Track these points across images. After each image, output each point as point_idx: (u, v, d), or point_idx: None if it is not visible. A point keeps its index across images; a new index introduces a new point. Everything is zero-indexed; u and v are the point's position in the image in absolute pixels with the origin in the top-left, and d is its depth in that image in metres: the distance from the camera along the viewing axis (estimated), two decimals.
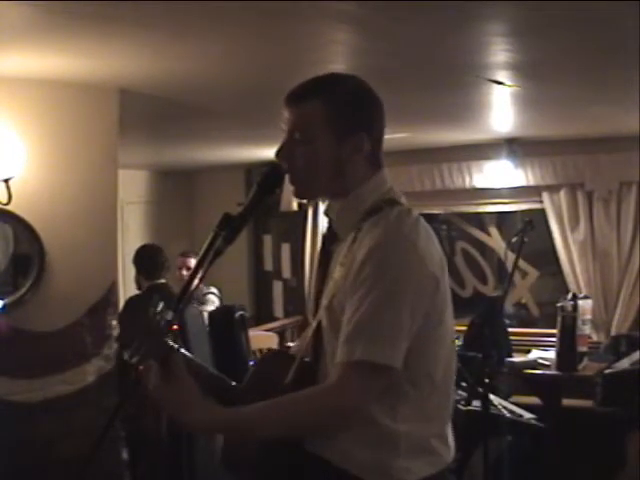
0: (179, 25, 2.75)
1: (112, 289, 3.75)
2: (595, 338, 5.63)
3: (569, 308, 4.91)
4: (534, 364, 5.12)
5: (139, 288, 4.96)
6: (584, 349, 5.05)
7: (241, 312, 4.90)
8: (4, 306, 3.44)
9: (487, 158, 6.06)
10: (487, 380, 3.46)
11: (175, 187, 7.94)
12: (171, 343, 1.54)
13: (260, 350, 5.63)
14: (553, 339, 5.07)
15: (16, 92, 3.44)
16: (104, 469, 2.60)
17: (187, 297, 1.57)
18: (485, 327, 3.89)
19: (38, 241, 3.51)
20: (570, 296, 5.06)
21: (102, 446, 1.55)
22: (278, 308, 7.56)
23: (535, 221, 4.14)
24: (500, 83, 3.64)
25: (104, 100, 3.68)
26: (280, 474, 1.64)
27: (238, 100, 4.16)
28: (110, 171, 3.76)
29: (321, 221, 6.86)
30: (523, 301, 6.68)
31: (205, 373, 1.78)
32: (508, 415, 3.75)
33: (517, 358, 5.22)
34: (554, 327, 5.05)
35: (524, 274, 6.49)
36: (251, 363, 4.78)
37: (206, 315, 5.03)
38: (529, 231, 3.97)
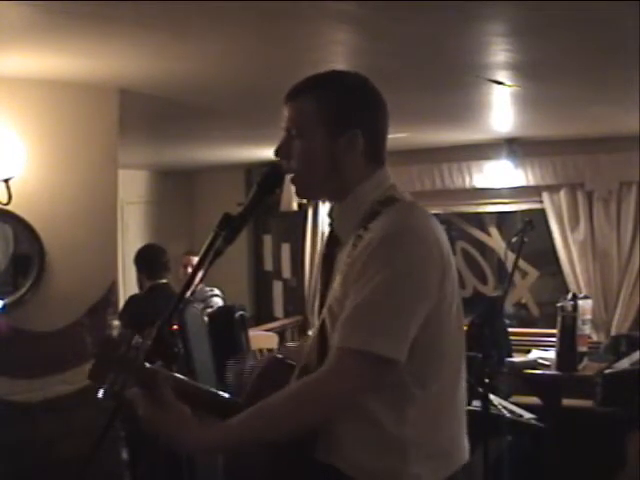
0: (179, 25, 2.75)
1: (112, 289, 3.75)
2: (595, 338, 5.63)
3: (569, 308, 4.91)
4: (534, 364, 5.12)
5: (141, 288, 4.96)
6: (584, 349, 5.05)
7: (241, 312, 4.90)
8: (4, 306, 3.44)
9: (487, 158, 6.06)
10: (487, 380, 3.46)
11: (175, 187, 7.94)
12: (153, 367, 1.51)
13: (260, 350, 5.63)
14: (553, 339, 5.07)
15: (16, 92, 3.44)
16: (104, 469, 2.60)
17: (187, 297, 1.56)
18: (485, 327, 3.88)
19: (38, 241, 3.51)
20: (570, 296, 5.06)
21: (102, 446, 1.54)
22: (278, 308, 7.56)
23: (535, 221, 4.13)
24: (500, 83, 3.64)
25: (104, 100, 3.68)
26: None
27: (238, 100, 4.16)
28: (110, 171, 3.76)
29: (321, 221, 6.86)
30: (523, 301, 6.68)
31: (196, 390, 1.71)
32: (508, 415, 3.75)
33: (517, 358, 5.22)
34: (554, 327, 5.05)
35: (524, 274, 6.49)
36: (251, 363, 4.78)
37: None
38: (529, 231, 3.97)
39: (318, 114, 1.59)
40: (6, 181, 3.38)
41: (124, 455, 3.88)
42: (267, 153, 6.31)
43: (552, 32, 2.88)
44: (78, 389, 3.46)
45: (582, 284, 5.76)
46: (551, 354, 5.04)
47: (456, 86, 3.78)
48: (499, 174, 6.03)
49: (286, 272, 7.49)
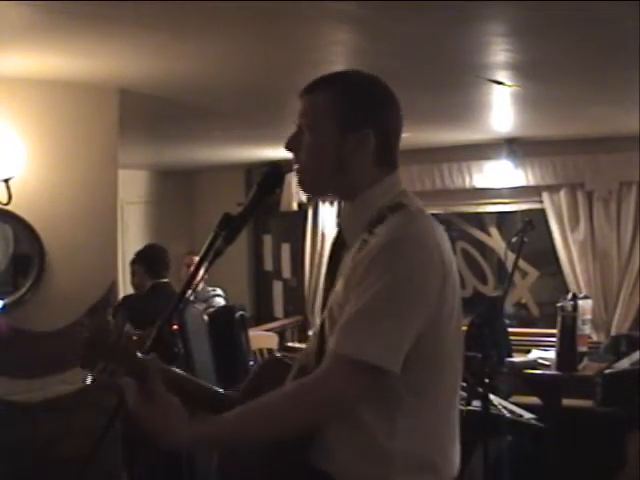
0: (179, 25, 2.75)
1: (112, 289, 3.75)
2: (595, 338, 5.63)
3: (569, 308, 4.91)
4: (534, 364, 5.12)
5: (136, 288, 4.98)
6: (584, 349, 5.05)
7: (241, 312, 4.90)
8: (4, 306, 3.44)
9: (487, 158, 6.06)
10: (487, 380, 3.46)
11: (175, 187, 7.94)
12: (145, 357, 1.49)
13: (260, 350, 5.63)
14: (553, 339, 5.07)
15: (16, 92, 3.44)
16: (104, 469, 2.60)
17: (187, 297, 1.56)
18: (485, 327, 3.88)
19: (38, 241, 3.51)
20: (570, 296, 5.06)
21: (102, 446, 1.54)
22: (278, 308, 7.56)
23: (535, 221, 4.13)
24: (500, 83, 3.65)
25: (104, 100, 3.68)
26: None
27: (238, 100, 4.16)
28: (110, 171, 3.76)
29: (321, 221, 6.86)
30: (523, 301, 6.68)
31: (192, 385, 1.71)
32: (508, 415, 3.75)
33: (517, 358, 5.22)
34: (554, 327, 5.05)
35: (524, 274, 6.49)
36: (251, 363, 4.79)
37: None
38: (529, 231, 3.97)
39: (330, 109, 1.58)
40: (6, 181, 3.38)
41: (124, 455, 3.88)
42: (267, 153, 6.34)
43: (552, 32, 2.88)
44: (78, 389, 3.46)
45: (582, 284, 5.76)
46: (551, 354, 5.04)
47: (456, 86, 3.78)
48: (499, 174, 6.03)
49: (286, 272, 7.49)
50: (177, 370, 1.70)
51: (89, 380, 1.49)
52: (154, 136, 5.52)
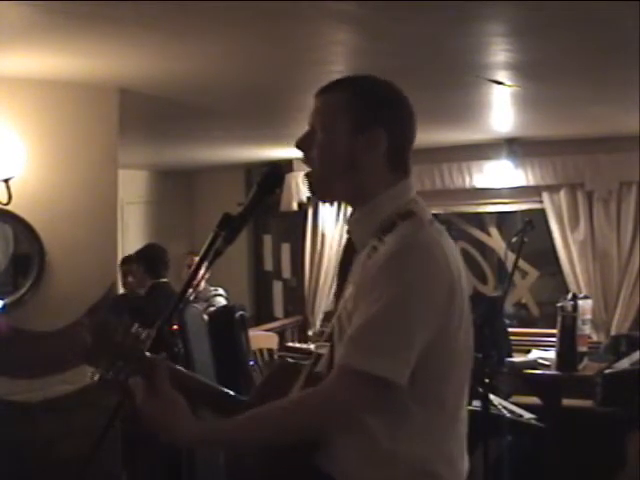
0: (179, 25, 2.75)
1: (112, 289, 3.76)
2: (595, 338, 5.63)
3: (569, 308, 4.91)
4: (534, 364, 5.12)
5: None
6: (584, 349, 5.05)
7: (241, 312, 4.91)
8: (4, 306, 3.44)
9: (487, 158, 6.06)
10: (487, 380, 3.46)
11: (175, 187, 7.94)
12: (153, 356, 1.50)
13: (260, 350, 5.63)
14: (553, 339, 5.07)
15: (16, 92, 3.44)
16: (104, 469, 2.60)
17: (188, 297, 1.56)
18: (485, 327, 3.88)
19: (38, 241, 3.51)
20: (570, 296, 5.06)
21: (102, 446, 1.54)
22: (278, 308, 7.56)
23: (535, 221, 4.13)
24: (500, 83, 3.65)
25: (104, 100, 3.68)
26: None
27: (238, 100, 4.16)
28: (110, 171, 3.76)
29: (321, 221, 6.86)
30: (523, 301, 6.68)
31: (198, 385, 1.72)
32: (508, 415, 3.75)
33: (517, 358, 5.22)
34: (554, 327, 5.05)
35: (524, 274, 6.49)
36: (251, 363, 4.79)
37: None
38: (529, 231, 3.97)
39: (344, 109, 1.57)
40: (6, 181, 3.38)
41: (123, 455, 3.88)
42: (267, 153, 6.34)
43: (552, 32, 2.88)
44: (78, 389, 3.46)
45: (582, 284, 5.76)
46: (551, 354, 5.04)
47: (456, 86, 3.78)
48: (499, 174, 6.03)
49: (286, 272, 7.49)
50: (181, 369, 1.70)
51: (96, 377, 1.49)
52: (154, 136, 5.52)
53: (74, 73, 3.39)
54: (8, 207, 3.41)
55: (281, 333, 6.58)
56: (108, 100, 3.69)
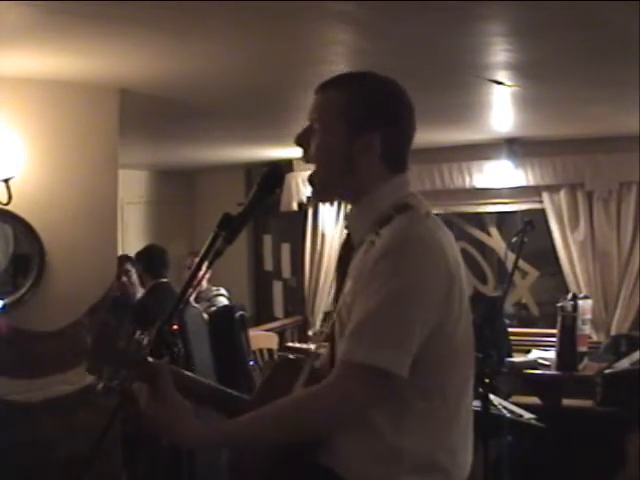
0: (179, 25, 2.75)
1: (112, 289, 3.76)
2: (595, 338, 5.62)
3: (569, 308, 4.91)
4: (534, 364, 5.12)
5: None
6: (584, 349, 5.05)
7: (241, 312, 4.91)
8: (4, 306, 3.44)
9: (487, 158, 6.06)
10: (487, 380, 3.46)
11: (175, 187, 7.94)
12: (156, 361, 1.50)
13: (260, 350, 5.63)
14: (553, 339, 5.07)
15: (16, 92, 3.44)
16: (104, 469, 2.60)
17: (187, 297, 1.56)
18: (485, 327, 3.88)
19: (38, 241, 3.51)
20: (570, 296, 5.07)
21: (102, 446, 1.54)
22: (278, 308, 7.56)
23: (535, 221, 4.13)
24: (500, 83, 3.65)
25: (104, 100, 3.68)
26: None
27: (238, 100, 4.16)
28: (110, 171, 3.76)
29: (321, 221, 6.86)
30: (523, 301, 6.68)
31: (201, 386, 1.72)
32: (508, 415, 3.75)
33: (517, 358, 5.22)
34: (554, 327, 5.05)
35: (524, 274, 6.49)
36: (251, 363, 4.79)
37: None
38: (529, 231, 3.96)
39: (342, 109, 1.58)
40: (6, 181, 3.38)
41: (124, 455, 3.88)
42: (267, 153, 6.34)
43: (552, 32, 2.88)
44: (78, 389, 3.47)
45: (582, 284, 5.76)
46: (551, 354, 5.04)
47: (456, 86, 3.78)
48: (499, 174, 6.03)
49: (286, 272, 7.49)
50: (184, 371, 1.70)
51: (101, 386, 1.49)
52: (154, 136, 5.52)
53: (74, 73, 3.39)
54: (8, 207, 3.41)
55: (281, 333, 6.58)
56: (108, 100, 3.69)
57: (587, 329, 5.16)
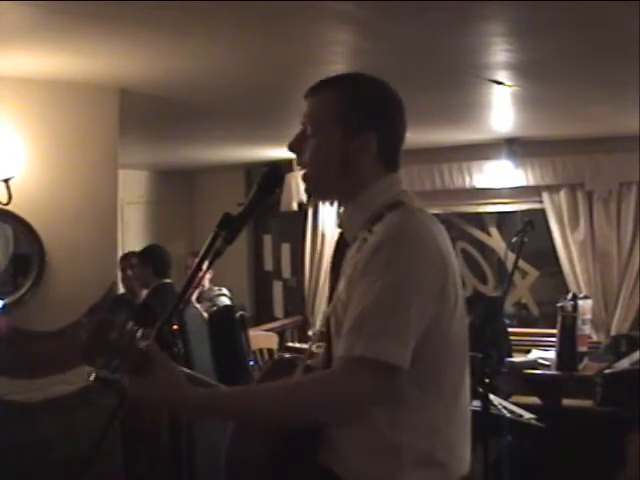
0: (179, 26, 2.75)
1: (112, 289, 3.76)
2: (595, 338, 5.63)
3: (569, 308, 4.91)
4: (534, 364, 5.12)
5: (125, 281, 5.00)
6: (584, 349, 5.05)
7: (241, 312, 4.92)
8: (4, 306, 3.44)
9: (487, 158, 6.06)
10: (487, 380, 3.46)
11: (175, 187, 7.94)
12: (148, 349, 1.48)
13: (260, 350, 5.63)
14: (553, 339, 5.07)
15: (16, 92, 3.44)
16: (103, 469, 2.60)
17: (188, 297, 1.56)
18: (485, 327, 3.88)
19: (38, 241, 3.51)
20: (570, 296, 5.06)
21: (102, 446, 1.54)
22: (278, 308, 7.56)
23: (535, 221, 4.12)
24: (500, 83, 3.65)
25: (104, 100, 3.69)
26: None
27: (238, 100, 4.16)
28: (110, 171, 3.76)
29: (321, 221, 6.86)
30: (523, 301, 6.68)
31: (197, 382, 1.73)
32: (508, 415, 3.75)
33: (517, 358, 5.22)
34: (554, 327, 5.05)
35: (524, 274, 6.49)
36: (251, 363, 4.79)
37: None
38: (529, 231, 3.96)
39: (335, 111, 1.59)
40: (6, 181, 3.38)
41: (123, 455, 3.88)
42: (267, 153, 6.34)
43: (552, 32, 2.88)
44: (78, 389, 3.47)
45: (582, 284, 5.76)
46: (551, 354, 5.03)
47: (456, 86, 3.78)
48: (499, 174, 6.02)
49: (286, 272, 7.49)
50: (184, 369, 1.69)
51: (92, 376, 1.48)
52: (154, 136, 5.52)
53: (75, 73, 3.39)
54: (8, 207, 3.41)
55: (281, 333, 6.58)
56: (108, 100, 3.70)
57: (587, 329, 5.15)
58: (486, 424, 3.43)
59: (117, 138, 3.77)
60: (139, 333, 1.49)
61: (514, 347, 5.33)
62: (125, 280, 5.11)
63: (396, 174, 1.64)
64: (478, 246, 6.77)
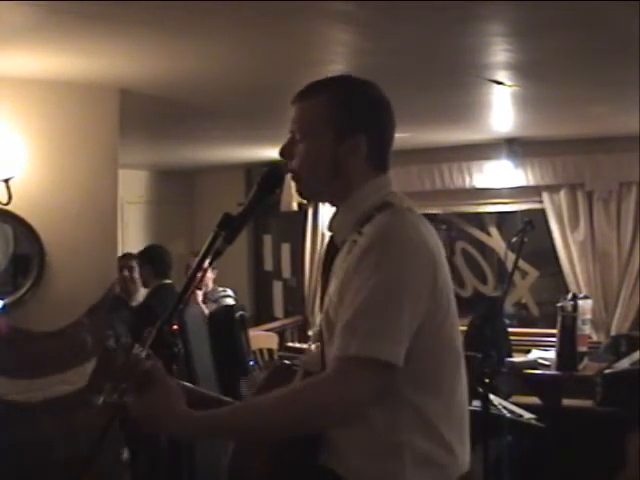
0: (179, 26, 2.75)
1: (112, 289, 3.75)
2: (595, 338, 5.63)
3: (569, 308, 4.91)
4: (534, 364, 5.12)
5: (121, 281, 4.99)
6: (584, 349, 5.05)
7: (241, 312, 4.91)
8: (4, 306, 3.44)
9: (487, 158, 6.06)
10: (487, 380, 3.46)
11: (175, 187, 7.94)
12: (151, 366, 1.49)
13: (260, 350, 5.63)
14: (553, 339, 5.07)
15: (17, 92, 3.44)
16: (104, 469, 2.60)
17: (187, 297, 1.56)
18: (485, 327, 3.88)
19: (38, 241, 3.51)
20: (570, 296, 5.06)
21: (102, 446, 1.54)
22: (278, 308, 7.56)
23: (535, 221, 4.13)
24: (500, 83, 3.65)
25: (104, 100, 3.68)
26: None
27: (238, 100, 4.16)
28: (110, 171, 3.76)
29: (321, 221, 6.86)
30: (523, 301, 6.68)
31: (201, 396, 1.71)
32: (508, 415, 3.75)
33: (517, 358, 5.22)
34: (554, 327, 5.05)
35: (524, 274, 6.49)
36: (251, 363, 4.78)
37: None
38: (529, 231, 3.96)
39: (323, 116, 1.59)
40: (6, 181, 3.38)
41: (124, 455, 3.88)
42: (267, 153, 6.34)
43: (552, 32, 2.88)
44: (78, 389, 3.46)
45: (582, 284, 5.76)
46: (551, 354, 5.04)
47: (456, 86, 3.78)
48: (499, 174, 6.03)
49: (286, 272, 7.50)
50: (185, 383, 1.69)
51: (100, 401, 1.48)
52: (154, 136, 5.52)
53: (75, 73, 3.39)
54: (8, 207, 3.41)
55: (281, 333, 6.58)
56: (109, 100, 3.69)
57: (587, 329, 5.16)
58: (486, 424, 3.43)
59: (117, 138, 3.77)
60: (144, 354, 1.49)
61: (514, 347, 5.33)
62: (120, 281, 5.11)
63: (386, 175, 1.65)
64: (478, 246, 6.77)
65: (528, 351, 5.44)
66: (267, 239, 7.68)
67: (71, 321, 3.53)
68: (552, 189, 5.94)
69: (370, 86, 1.65)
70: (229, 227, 1.57)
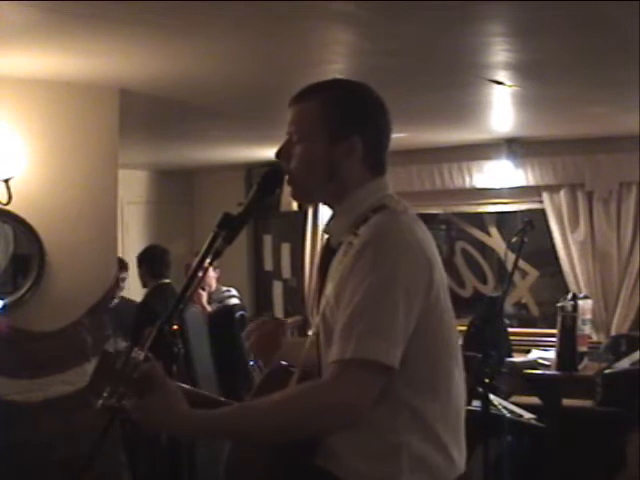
0: (179, 25, 2.75)
1: (112, 289, 3.75)
2: (595, 338, 5.63)
3: (569, 308, 4.91)
4: (534, 364, 5.12)
5: (145, 285, 4.99)
6: (584, 349, 5.06)
7: (241, 312, 4.92)
8: (4, 306, 3.44)
9: (487, 158, 6.06)
10: (487, 380, 3.46)
11: (175, 187, 7.94)
12: (148, 368, 1.49)
13: None
14: (553, 339, 5.07)
15: (17, 92, 3.44)
16: (103, 470, 2.60)
17: (187, 297, 1.57)
18: (485, 327, 3.88)
19: (38, 241, 3.51)
20: (570, 296, 5.07)
21: (102, 447, 1.54)
22: (278, 308, 7.56)
23: (535, 221, 4.13)
24: (500, 83, 3.65)
25: (104, 100, 3.68)
26: None
27: (238, 100, 4.16)
28: (110, 171, 3.76)
29: (321, 221, 6.86)
30: (523, 301, 6.68)
31: (195, 397, 1.73)
32: (508, 415, 3.75)
33: (517, 358, 5.22)
34: (554, 327, 5.05)
35: (524, 274, 6.49)
36: (251, 363, 4.79)
37: None
38: (529, 231, 3.97)
39: (320, 118, 1.60)
40: (6, 181, 3.38)
41: (123, 456, 3.88)
42: (267, 153, 6.33)
43: (552, 32, 2.88)
44: (78, 389, 3.46)
45: (582, 284, 5.76)
46: (551, 354, 5.04)
47: (456, 86, 3.78)
48: (499, 174, 6.02)
49: (286, 272, 7.50)
50: (184, 385, 1.69)
51: (99, 404, 1.49)
52: (154, 136, 5.51)
53: (75, 73, 3.39)
54: (8, 207, 3.41)
55: None
56: (108, 100, 3.69)
57: (587, 329, 5.16)
58: (486, 424, 3.43)
59: (117, 138, 3.77)
60: (141, 357, 1.49)
61: (514, 347, 5.34)
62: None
63: (382, 178, 1.65)
64: (478, 246, 6.77)
65: (528, 351, 5.44)
66: (267, 239, 7.67)
67: (71, 321, 3.52)
68: (552, 189, 5.94)
69: (364, 88, 1.66)
70: (229, 227, 1.57)
